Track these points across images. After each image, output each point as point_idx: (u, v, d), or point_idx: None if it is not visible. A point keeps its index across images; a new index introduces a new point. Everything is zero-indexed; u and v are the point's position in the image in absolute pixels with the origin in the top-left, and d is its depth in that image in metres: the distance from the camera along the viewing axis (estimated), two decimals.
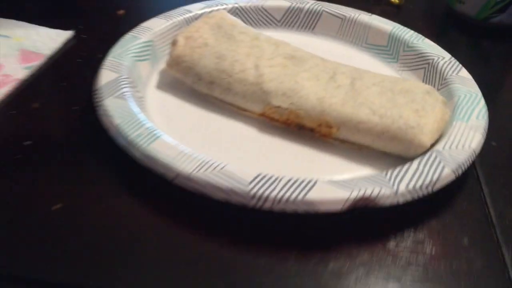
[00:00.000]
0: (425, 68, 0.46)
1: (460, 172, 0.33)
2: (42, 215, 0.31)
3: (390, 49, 0.49)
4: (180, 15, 0.48)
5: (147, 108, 0.40)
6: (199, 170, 0.31)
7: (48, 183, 0.33)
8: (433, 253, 0.30)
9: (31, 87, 0.42)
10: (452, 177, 0.33)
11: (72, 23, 0.51)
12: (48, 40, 0.47)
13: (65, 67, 0.45)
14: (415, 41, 0.47)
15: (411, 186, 0.31)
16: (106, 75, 0.39)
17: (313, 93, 0.38)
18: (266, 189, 0.30)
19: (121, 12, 0.55)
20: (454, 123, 0.37)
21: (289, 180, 0.31)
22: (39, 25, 0.49)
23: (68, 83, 0.43)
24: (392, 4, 0.61)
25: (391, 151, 0.37)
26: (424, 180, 0.32)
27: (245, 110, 0.40)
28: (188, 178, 0.31)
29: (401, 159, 0.36)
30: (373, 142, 0.37)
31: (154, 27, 0.46)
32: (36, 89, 0.42)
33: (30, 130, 0.38)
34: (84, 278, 0.27)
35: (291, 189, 0.31)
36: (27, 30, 0.48)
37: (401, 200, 0.31)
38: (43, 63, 0.45)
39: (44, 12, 0.54)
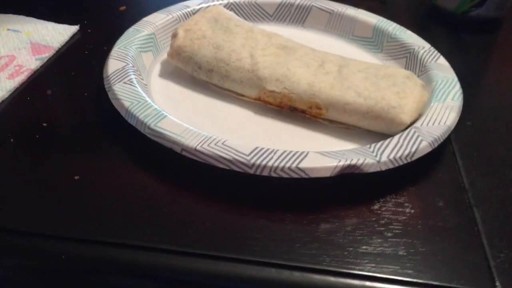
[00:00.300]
0: (406, 57, 0.49)
1: (435, 145, 0.37)
2: (63, 184, 0.35)
3: (375, 41, 0.53)
4: (179, 10, 0.52)
5: (151, 95, 0.44)
6: (203, 144, 0.35)
7: (67, 158, 0.37)
8: (412, 213, 0.34)
9: (44, 76, 0.46)
10: (428, 149, 0.37)
11: (77, 19, 0.54)
12: (56, 34, 0.51)
13: (73, 58, 0.49)
14: (397, 33, 0.51)
15: (392, 156, 0.35)
16: (113, 64, 0.43)
17: (304, 78, 0.42)
18: (264, 159, 0.34)
19: (123, 8, 0.58)
20: (431, 104, 0.41)
21: (283, 152, 0.35)
22: (46, 21, 0.53)
23: (77, 72, 0.46)
24: (378, 1, 0.65)
25: (375, 129, 0.41)
26: (403, 152, 0.36)
27: (242, 95, 0.44)
28: (194, 150, 0.35)
29: (384, 137, 0.40)
30: (358, 121, 0.41)
31: (155, 21, 0.50)
32: (48, 78, 0.45)
33: (46, 113, 0.41)
34: (102, 236, 0.31)
35: (286, 159, 0.34)
36: (36, 25, 0.52)
37: (383, 167, 0.35)
38: (52, 55, 0.48)
39: (51, 9, 0.57)
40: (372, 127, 0.41)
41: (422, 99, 0.41)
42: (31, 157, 0.37)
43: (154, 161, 0.37)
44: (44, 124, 0.40)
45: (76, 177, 0.35)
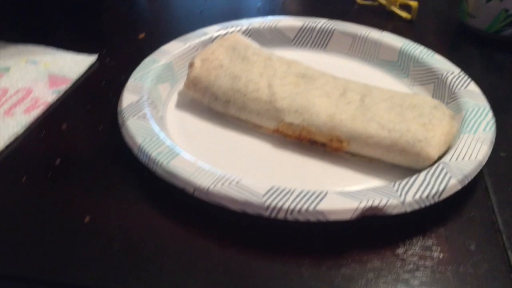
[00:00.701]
0: (434, 82, 0.47)
1: (466, 182, 0.35)
2: (74, 226, 0.33)
3: (401, 65, 0.50)
4: (197, 38, 0.51)
5: (167, 127, 0.42)
6: (216, 184, 0.33)
7: (78, 198, 0.36)
8: (441, 258, 0.32)
9: (59, 109, 0.45)
10: (458, 187, 0.34)
11: (96, 47, 0.54)
12: (74, 64, 0.50)
13: (90, 90, 0.48)
14: (424, 57, 0.49)
15: (417, 196, 0.33)
16: (128, 98, 0.42)
17: (324, 109, 0.40)
18: (280, 200, 0.32)
19: (142, 35, 0.57)
20: (461, 135, 0.39)
21: (301, 192, 0.33)
22: (65, 49, 0.53)
23: (93, 105, 0.46)
24: (404, 20, 0.62)
25: (399, 163, 0.38)
26: (430, 191, 0.33)
27: (259, 126, 0.42)
28: (207, 192, 0.33)
29: (410, 171, 0.38)
30: (382, 155, 0.38)
31: (173, 50, 0.49)
32: (64, 111, 0.45)
33: (60, 149, 0.40)
34: (110, 283, 0.30)
35: (303, 200, 0.32)
36: (54, 55, 0.51)
37: (408, 209, 0.33)
38: (69, 86, 0.48)
39: (71, 37, 0.57)
40: (396, 161, 0.38)
41: (451, 131, 0.39)
42: (42, 197, 0.36)
43: (166, 200, 0.36)
44: (57, 161, 0.39)
45: (87, 220, 0.34)
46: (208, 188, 0.33)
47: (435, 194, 0.33)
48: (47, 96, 0.46)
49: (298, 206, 0.32)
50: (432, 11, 0.66)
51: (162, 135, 0.38)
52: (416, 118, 0.39)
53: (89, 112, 0.45)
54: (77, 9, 0.63)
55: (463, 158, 0.36)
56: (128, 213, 0.35)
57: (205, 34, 0.52)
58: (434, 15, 0.65)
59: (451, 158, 0.36)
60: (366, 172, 0.39)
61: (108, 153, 0.40)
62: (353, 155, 0.40)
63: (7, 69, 0.49)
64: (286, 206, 0.32)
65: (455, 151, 0.37)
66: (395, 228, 0.34)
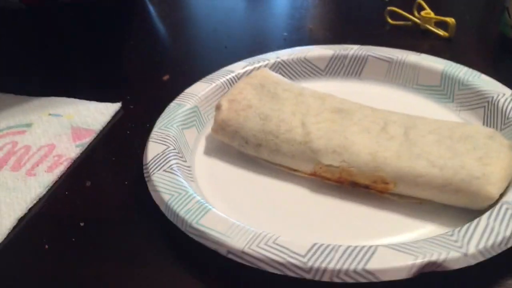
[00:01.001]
0: (484, 106, 0.43)
1: None
2: None
3: (444, 89, 0.46)
4: (223, 77, 0.48)
5: (195, 177, 0.40)
6: (251, 244, 0.30)
7: (102, 264, 0.33)
8: None
9: (83, 165, 0.43)
10: None
11: (119, 93, 0.52)
12: (97, 114, 0.48)
13: (114, 141, 0.46)
14: (470, 78, 0.45)
15: (481, 245, 0.29)
16: (153, 148, 0.39)
17: (365, 147, 0.36)
18: (323, 260, 0.29)
19: (166, 77, 0.55)
20: None
21: (347, 249, 0.29)
22: (87, 99, 0.51)
23: (118, 157, 0.43)
24: (441, 38, 0.58)
25: (455, 204, 0.34)
26: (496, 238, 0.29)
27: (295, 170, 0.39)
28: (241, 253, 0.30)
29: (466, 212, 0.34)
30: (434, 196, 0.34)
31: (198, 92, 0.46)
32: (88, 166, 0.43)
33: (84, 210, 0.38)
34: None
35: (350, 259, 0.29)
36: (77, 106, 0.50)
37: (472, 262, 0.29)
38: (93, 138, 0.46)
39: (93, 85, 0.55)
40: (451, 202, 0.34)
41: (510, 164, 0.34)
42: (65, 267, 0.33)
43: (197, 263, 0.33)
44: (81, 224, 0.36)
45: None
46: (243, 249, 0.30)
47: (502, 241, 0.29)
48: (70, 151, 0.44)
49: (345, 267, 0.28)
50: (470, 26, 0.61)
51: (190, 190, 0.35)
52: (469, 151, 0.35)
53: (114, 164, 0.43)
54: (98, 54, 0.62)
55: None
56: (154, 281, 0.32)
57: (231, 72, 0.49)
58: (473, 31, 0.61)
59: None
60: (415, 216, 0.35)
61: (133, 211, 0.37)
62: (401, 196, 0.36)
63: (29, 125, 0.47)
64: (331, 267, 0.28)
65: None
66: (456, 281, 0.30)
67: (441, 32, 0.59)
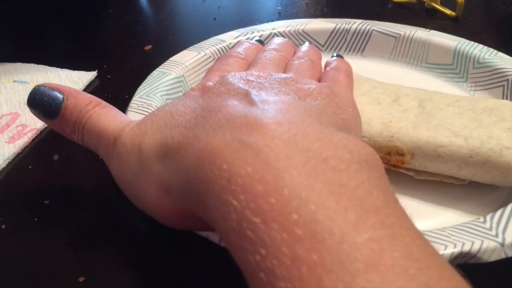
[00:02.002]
0: (503, 86, 0.39)
1: None
2: None
3: (456, 67, 0.42)
4: (213, 45, 0.43)
5: None
6: None
7: (70, 250, 0.28)
8: None
9: (51, 136, 0.37)
10: None
11: (95, 62, 0.46)
12: (69, 83, 0.43)
13: None
14: (486, 56, 0.41)
15: None
16: (133, 118, 0.34)
17: (377, 118, 0.32)
18: None
19: (148, 47, 0.50)
20: None
21: None
22: (61, 67, 0.45)
23: None
24: (448, 18, 0.54)
25: (482, 180, 0.30)
26: None
27: None
28: None
29: (490, 196, 0.29)
30: (459, 169, 0.30)
31: (185, 61, 0.41)
32: (56, 138, 0.37)
33: (50, 187, 0.33)
34: None
35: None
36: (47, 74, 0.44)
37: (510, 253, 0.24)
38: None
39: (67, 53, 0.50)
40: (477, 177, 0.30)
41: None
42: (26, 251, 0.28)
43: (183, 252, 0.28)
44: (46, 202, 0.31)
45: (81, 279, 0.26)
46: None
47: None
48: (36, 121, 0.38)
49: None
50: (479, 6, 0.57)
51: None
52: (496, 123, 0.30)
53: None
54: (73, 22, 0.56)
55: None
56: (130, 271, 0.27)
57: (222, 41, 0.44)
58: (483, 9, 0.57)
59: None
60: (435, 199, 0.31)
61: (108, 190, 0.32)
62: (418, 172, 0.31)
63: None
64: None
65: None
66: (491, 274, 0.26)
67: (448, 11, 0.54)
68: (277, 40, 0.36)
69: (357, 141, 0.20)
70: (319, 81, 0.31)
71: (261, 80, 0.26)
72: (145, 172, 0.23)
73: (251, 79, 0.26)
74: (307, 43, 0.37)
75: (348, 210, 0.16)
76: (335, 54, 0.36)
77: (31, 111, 0.28)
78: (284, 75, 0.27)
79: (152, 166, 0.23)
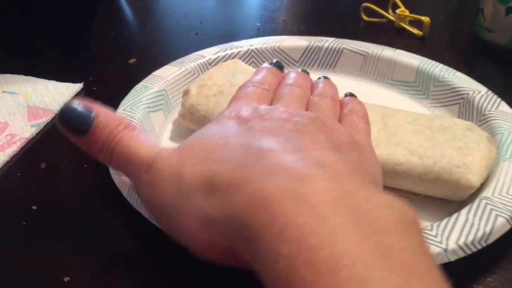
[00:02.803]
0: (459, 103, 0.42)
1: None
2: None
3: (419, 85, 0.45)
4: (193, 61, 0.46)
5: None
6: None
7: (56, 253, 0.30)
8: None
9: (39, 145, 0.40)
10: (507, 227, 0.29)
11: (81, 74, 0.48)
12: (56, 94, 0.45)
13: None
14: (445, 75, 0.44)
15: (461, 241, 0.28)
16: None
17: None
18: None
19: (133, 61, 0.53)
20: (500, 164, 0.34)
21: None
22: (47, 79, 0.47)
23: None
24: (415, 37, 0.58)
25: (435, 194, 0.33)
26: (476, 234, 0.28)
27: None
28: None
29: (444, 207, 0.33)
30: (414, 185, 0.33)
31: (166, 75, 0.44)
32: (43, 148, 0.40)
33: (37, 193, 0.35)
34: None
35: None
36: (34, 85, 0.46)
37: (452, 257, 0.27)
38: (51, 119, 0.42)
39: (54, 65, 0.52)
40: (431, 192, 0.33)
41: (490, 155, 0.34)
42: (14, 253, 0.30)
43: (164, 254, 0.30)
44: (33, 207, 0.33)
45: (66, 279, 0.28)
46: None
47: (482, 237, 0.28)
48: (25, 130, 0.41)
49: None
50: (444, 27, 0.61)
51: None
52: (449, 141, 0.34)
53: (73, 147, 0.39)
54: (61, 33, 0.58)
55: (507, 191, 0.31)
56: (115, 274, 0.29)
57: (202, 57, 0.47)
58: (448, 30, 0.60)
59: (493, 191, 0.31)
60: None
61: (93, 196, 0.35)
62: None
63: None
64: None
65: (496, 182, 0.32)
66: None
67: (415, 31, 0.58)
68: (296, 75, 0.35)
69: (400, 202, 0.20)
70: (339, 121, 0.32)
71: (296, 119, 0.26)
72: (185, 204, 0.23)
73: (285, 117, 0.26)
74: (322, 78, 0.36)
75: (394, 273, 0.17)
76: (348, 93, 0.36)
77: (59, 128, 0.28)
78: (313, 116, 0.27)
79: (194, 198, 0.23)
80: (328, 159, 0.22)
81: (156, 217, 0.26)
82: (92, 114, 0.27)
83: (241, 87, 0.32)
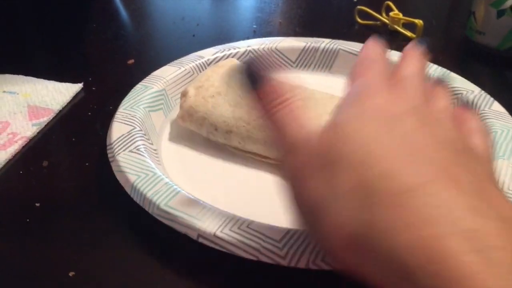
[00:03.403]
0: (453, 102, 0.43)
1: None
2: (56, 283, 0.28)
3: None
4: (192, 61, 0.47)
5: (162, 161, 0.38)
6: (224, 228, 0.29)
7: (60, 248, 0.31)
8: None
9: (40, 144, 0.40)
10: None
11: (81, 75, 0.49)
12: (56, 94, 0.46)
13: (74, 121, 0.43)
14: (440, 76, 0.45)
15: None
16: (118, 128, 0.37)
17: None
18: (299, 246, 0.28)
19: (131, 62, 0.53)
20: (494, 162, 0.34)
21: None
22: (47, 79, 0.48)
23: (78, 138, 0.41)
24: (409, 39, 0.59)
25: None
26: None
27: (266, 157, 0.38)
28: (213, 237, 0.28)
29: None
30: None
31: (166, 75, 0.44)
32: (45, 146, 0.40)
33: (40, 190, 0.35)
34: None
35: None
36: (35, 85, 0.47)
37: None
38: (52, 118, 0.43)
39: (53, 65, 0.52)
40: None
41: None
42: (18, 249, 0.31)
43: (166, 248, 0.31)
44: (36, 205, 0.34)
45: (71, 274, 0.29)
46: (215, 233, 0.28)
47: None
48: (26, 129, 0.41)
49: (322, 253, 0.27)
50: (436, 30, 0.62)
51: (158, 172, 0.33)
52: None
53: (74, 145, 0.40)
54: (59, 34, 0.59)
55: (502, 189, 0.32)
56: (118, 266, 0.30)
57: (200, 57, 0.47)
58: (440, 33, 0.62)
59: None
60: None
61: (95, 193, 0.35)
62: None
63: None
64: (307, 253, 0.27)
65: None
66: None
67: (408, 33, 0.59)
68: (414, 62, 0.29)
69: None
70: None
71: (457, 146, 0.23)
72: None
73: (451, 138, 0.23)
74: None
75: None
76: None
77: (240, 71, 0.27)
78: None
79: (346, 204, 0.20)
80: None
81: (301, 196, 0.24)
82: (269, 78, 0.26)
83: (362, 66, 0.28)
